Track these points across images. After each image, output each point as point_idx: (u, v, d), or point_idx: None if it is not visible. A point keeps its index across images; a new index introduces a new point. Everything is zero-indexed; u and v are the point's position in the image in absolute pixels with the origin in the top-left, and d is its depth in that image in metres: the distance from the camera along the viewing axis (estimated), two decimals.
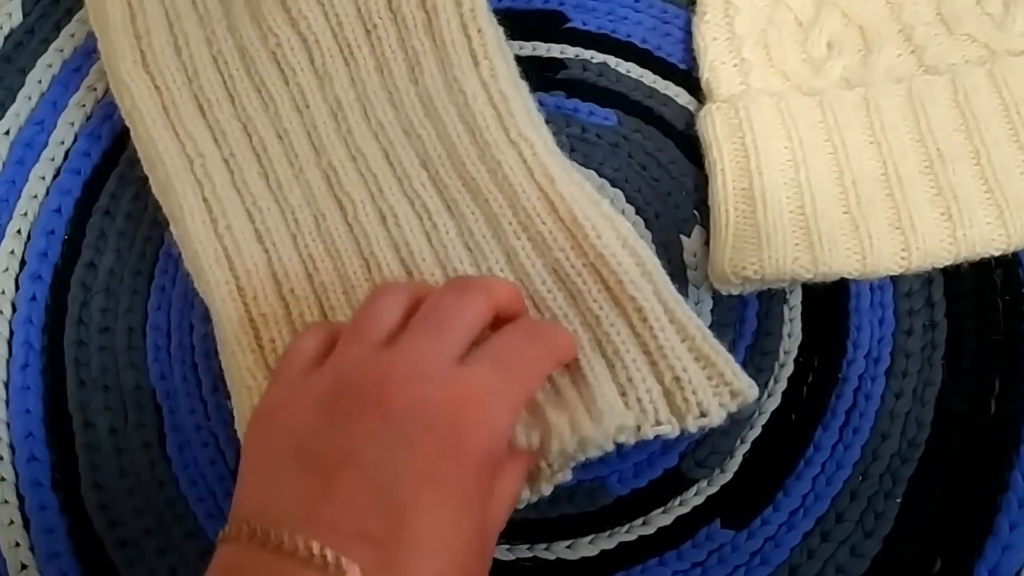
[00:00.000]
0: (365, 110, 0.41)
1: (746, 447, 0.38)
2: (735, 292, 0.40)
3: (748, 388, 0.34)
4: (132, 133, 0.42)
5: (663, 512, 0.38)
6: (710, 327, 0.40)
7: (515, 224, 0.38)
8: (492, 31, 0.42)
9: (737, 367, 0.35)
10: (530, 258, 0.38)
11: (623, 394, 0.34)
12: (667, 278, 0.37)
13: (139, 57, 0.43)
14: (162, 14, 0.43)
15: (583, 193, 0.38)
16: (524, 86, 0.42)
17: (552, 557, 0.37)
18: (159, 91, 0.42)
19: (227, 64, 0.43)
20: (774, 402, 0.39)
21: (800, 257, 0.38)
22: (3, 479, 0.39)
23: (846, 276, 0.38)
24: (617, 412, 0.33)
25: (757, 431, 0.39)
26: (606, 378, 0.35)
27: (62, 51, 0.47)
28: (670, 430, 0.34)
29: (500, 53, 0.41)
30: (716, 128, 0.41)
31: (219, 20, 0.43)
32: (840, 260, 0.38)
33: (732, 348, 0.40)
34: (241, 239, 0.39)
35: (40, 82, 0.46)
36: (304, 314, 0.38)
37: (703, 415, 0.34)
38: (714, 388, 0.34)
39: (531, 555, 0.37)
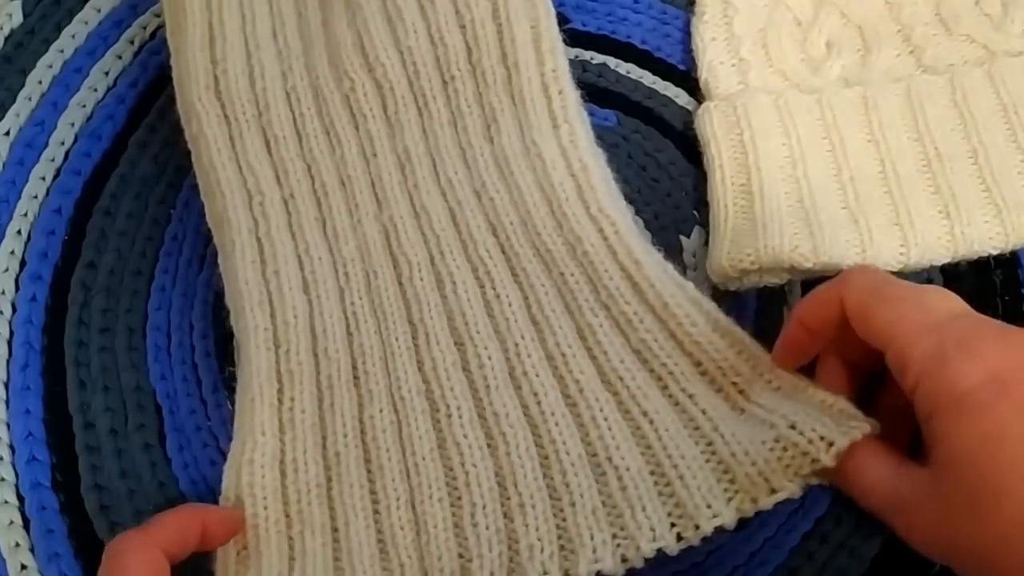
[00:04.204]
0: (435, 165, 0.40)
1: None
2: (734, 287, 0.40)
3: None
4: (194, 158, 0.41)
5: None
6: None
7: (592, 302, 0.36)
8: (572, 94, 0.40)
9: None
10: (608, 336, 0.36)
11: (725, 472, 0.31)
12: (765, 353, 0.34)
13: (212, 83, 0.41)
14: (242, 43, 0.42)
15: (667, 276, 0.36)
16: (600, 154, 0.40)
17: None
18: (228, 121, 0.41)
19: (299, 101, 0.41)
20: None
21: (800, 246, 0.38)
22: (3, 480, 0.39)
23: (846, 268, 0.38)
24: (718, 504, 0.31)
25: None
26: (699, 464, 0.32)
27: (63, 52, 0.47)
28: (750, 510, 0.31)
29: (580, 118, 0.40)
30: (714, 125, 0.41)
31: (297, 57, 0.42)
32: (840, 249, 0.38)
33: None
34: (287, 287, 0.38)
35: (40, 83, 0.46)
36: (332, 376, 0.37)
37: (774, 491, 0.31)
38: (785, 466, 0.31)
39: None
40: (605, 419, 0.34)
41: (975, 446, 0.28)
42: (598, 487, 0.32)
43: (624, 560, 0.30)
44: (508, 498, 0.33)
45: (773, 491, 0.30)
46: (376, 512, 0.34)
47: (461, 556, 0.32)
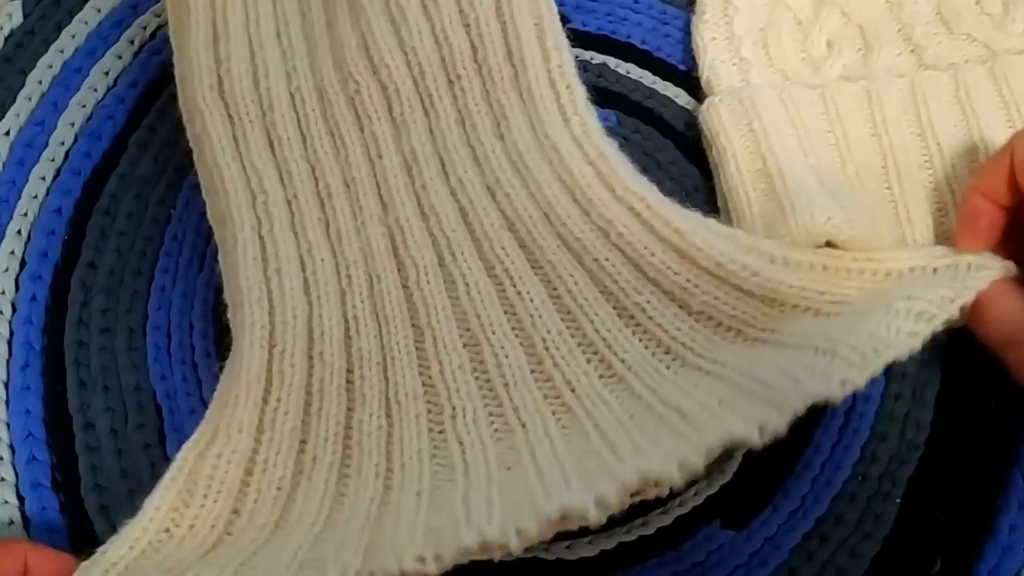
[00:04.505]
0: (443, 165, 0.40)
1: (745, 447, 0.38)
2: None
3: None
4: (196, 157, 0.41)
5: (662, 512, 0.38)
6: None
7: (635, 282, 0.36)
8: (580, 88, 0.40)
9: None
10: (659, 311, 0.35)
11: (824, 354, 0.29)
12: (851, 256, 0.34)
13: (216, 82, 0.41)
14: (245, 42, 0.42)
15: (714, 234, 0.35)
16: (613, 143, 0.40)
17: (551, 557, 0.37)
18: (232, 120, 0.41)
19: (304, 103, 0.41)
20: None
21: (833, 217, 0.36)
22: (3, 480, 0.39)
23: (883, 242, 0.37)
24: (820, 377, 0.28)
25: None
26: (789, 361, 0.30)
27: (63, 52, 0.47)
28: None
29: (589, 111, 0.40)
30: (722, 118, 0.41)
31: (302, 57, 0.42)
32: (876, 220, 0.37)
33: None
34: (288, 286, 0.38)
35: (40, 83, 0.46)
36: (324, 380, 0.36)
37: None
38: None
39: (530, 555, 0.37)
40: (665, 379, 0.33)
41: None
42: (655, 427, 0.31)
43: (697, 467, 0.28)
44: (523, 469, 0.32)
45: (882, 354, 0.29)
46: (335, 511, 0.33)
47: None
